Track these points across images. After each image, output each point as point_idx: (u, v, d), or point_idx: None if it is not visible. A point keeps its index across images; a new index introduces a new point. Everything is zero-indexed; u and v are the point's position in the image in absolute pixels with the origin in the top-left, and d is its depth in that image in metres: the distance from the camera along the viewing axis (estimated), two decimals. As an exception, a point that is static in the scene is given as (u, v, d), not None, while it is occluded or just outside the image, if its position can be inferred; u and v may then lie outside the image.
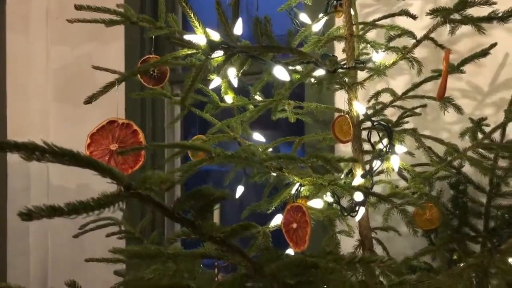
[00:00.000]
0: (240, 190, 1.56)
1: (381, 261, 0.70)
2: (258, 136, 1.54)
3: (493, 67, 1.65)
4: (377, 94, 1.48)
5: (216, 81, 1.37)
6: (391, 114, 1.57)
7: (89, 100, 0.90)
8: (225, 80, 1.38)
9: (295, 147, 1.33)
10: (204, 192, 0.53)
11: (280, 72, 1.01)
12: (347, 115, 1.21)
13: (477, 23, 1.08)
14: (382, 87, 1.52)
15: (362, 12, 1.92)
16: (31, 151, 0.46)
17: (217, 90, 1.48)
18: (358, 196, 1.11)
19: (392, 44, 1.29)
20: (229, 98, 1.43)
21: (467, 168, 1.55)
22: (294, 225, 0.97)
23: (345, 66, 1.13)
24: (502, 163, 1.52)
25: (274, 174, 1.42)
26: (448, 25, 1.12)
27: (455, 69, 1.33)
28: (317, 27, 1.41)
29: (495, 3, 1.04)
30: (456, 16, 1.11)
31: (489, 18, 1.10)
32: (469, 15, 1.07)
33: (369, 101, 1.49)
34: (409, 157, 1.48)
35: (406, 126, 1.40)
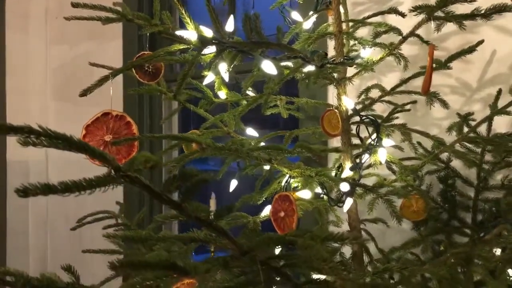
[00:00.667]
0: (233, 184, 1.60)
1: (354, 239, 0.73)
2: (251, 131, 1.57)
3: (481, 64, 1.69)
4: (367, 90, 1.52)
5: (209, 77, 1.41)
6: (383, 110, 1.61)
7: (84, 93, 0.94)
8: (219, 77, 1.41)
9: (285, 141, 1.37)
10: (188, 172, 0.57)
11: (268, 66, 1.05)
12: (335, 110, 1.25)
13: (460, 20, 1.12)
14: (374, 83, 1.56)
15: (355, 10, 1.96)
16: (27, 134, 0.50)
17: (212, 87, 1.52)
18: (344, 187, 1.15)
19: (382, 41, 1.32)
20: (222, 94, 1.47)
21: (456, 163, 1.59)
22: (282, 214, 1.01)
23: (332, 62, 1.17)
24: (490, 157, 1.56)
25: (267, 168, 1.46)
26: (432, 22, 1.16)
27: (443, 65, 1.37)
28: (307, 24, 1.45)
29: (475, 0, 1.08)
30: (440, 13, 1.15)
31: (472, 15, 1.14)
32: (452, 12, 1.11)
33: (359, 96, 1.53)
34: (399, 152, 1.52)
35: (397, 121, 1.44)
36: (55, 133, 0.52)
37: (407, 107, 1.47)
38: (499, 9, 1.11)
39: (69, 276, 0.93)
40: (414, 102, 1.54)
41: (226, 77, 1.20)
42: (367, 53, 1.26)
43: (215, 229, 0.64)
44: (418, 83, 1.52)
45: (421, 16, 1.13)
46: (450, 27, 1.77)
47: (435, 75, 1.78)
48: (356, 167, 1.25)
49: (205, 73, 1.41)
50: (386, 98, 1.43)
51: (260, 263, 0.71)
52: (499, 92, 1.41)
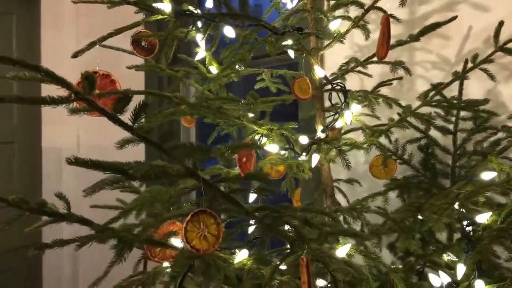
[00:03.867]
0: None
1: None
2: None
3: (459, 40, 1.79)
4: (347, 63, 1.65)
5: (200, 54, 1.58)
6: (371, 85, 1.73)
7: (75, 55, 1.14)
8: (209, 53, 1.59)
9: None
10: (130, 94, 0.74)
11: (228, 31, 1.21)
12: (305, 77, 1.40)
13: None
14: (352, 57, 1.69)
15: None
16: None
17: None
18: (303, 140, 1.30)
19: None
20: (213, 69, 1.64)
21: (434, 132, 1.69)
22: (244, 159, 1.17)
23: (300, 32, 1.31)
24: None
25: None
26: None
27: (415, 38, 1.50)
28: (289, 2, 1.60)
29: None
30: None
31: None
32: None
33: (339, 68, 1.67)
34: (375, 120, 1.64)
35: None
36: (25, 61, 0.70)
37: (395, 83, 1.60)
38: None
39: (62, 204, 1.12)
40: (400, 78, 1.66)
41: (202, 45, 1.37)
42: (335, 26, 1.40)
43: (159, 148, 0.81)
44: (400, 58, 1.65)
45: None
46: (432, 6, 1.89)
47: (418, 51, 1.90)
48: (325, 129, 1.39)
49: (197, 50, 1.59)
50: (361, 69, 1.56)
51: (203, 181, 0.88)
52: (466, 61, 1.52)
